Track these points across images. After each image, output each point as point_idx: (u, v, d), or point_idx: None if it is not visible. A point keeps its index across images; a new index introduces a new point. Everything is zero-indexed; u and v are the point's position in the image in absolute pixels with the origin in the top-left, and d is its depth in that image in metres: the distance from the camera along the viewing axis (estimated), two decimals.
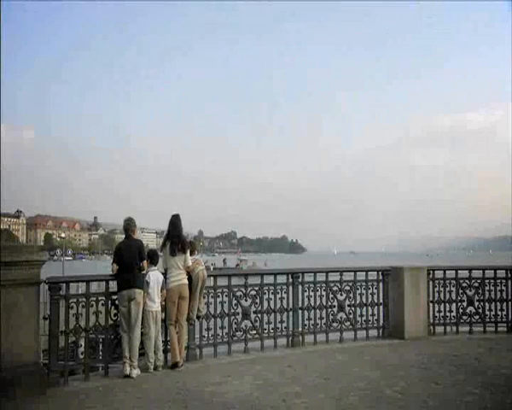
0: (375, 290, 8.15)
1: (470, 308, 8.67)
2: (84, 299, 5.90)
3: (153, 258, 6.44)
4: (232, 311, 7.06)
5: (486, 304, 8.70)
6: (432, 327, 8.44)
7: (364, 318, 8.07)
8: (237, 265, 68.53)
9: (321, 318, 7.74)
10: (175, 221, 6.65)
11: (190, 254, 6.60)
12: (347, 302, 7.98)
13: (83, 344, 6.33)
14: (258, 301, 7.26)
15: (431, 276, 8.46)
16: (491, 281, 8.75)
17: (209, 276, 6.91)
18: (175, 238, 6.50)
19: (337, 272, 8.04)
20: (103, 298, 6.09)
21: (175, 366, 6.22)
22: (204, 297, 6.79)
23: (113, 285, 6.19)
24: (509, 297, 8.76)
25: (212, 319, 6.90)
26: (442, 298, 8.51)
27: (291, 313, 7.51)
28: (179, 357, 6.27)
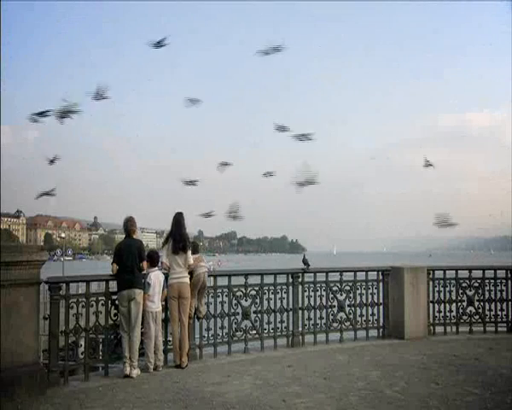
0: (375, 290, 8.15)
1: (470, 308, 8.67)
2: (84, 299, 5.90)
3: (153, 258, 6.43)
4: (232, 311, 7.07)
5: (486, 304, 8.70)
6: (432, 327, 8.43)
7: (364, 318, 8.07)
8: None
9: (321, 318, 7.74)
10: (179, 219, 6.57)
11: (192, 254, 6.58)
12: (347, 302, 7.98)
13: (83, 344, 6.32)
14: (258, 301, 7.26)
15: (431, 276, 8.45)
16: (491, 281, 8.75)
17: (209, 276, 6.90)
18: (177, 236, 6.46)
19: (337, 272, 8.04)
20: (103, 298, 6.09)
21: (178, 366, 6.25)
22: (204, 297, 6.80)
23: (113, 285, 6.18)
24: (509, 297, 8.76)
25: (212, 319, 6.90)
26: (442, 298, 8.51)
27: (291, 313, 7.51)
28: (178, 359, 6.28)
